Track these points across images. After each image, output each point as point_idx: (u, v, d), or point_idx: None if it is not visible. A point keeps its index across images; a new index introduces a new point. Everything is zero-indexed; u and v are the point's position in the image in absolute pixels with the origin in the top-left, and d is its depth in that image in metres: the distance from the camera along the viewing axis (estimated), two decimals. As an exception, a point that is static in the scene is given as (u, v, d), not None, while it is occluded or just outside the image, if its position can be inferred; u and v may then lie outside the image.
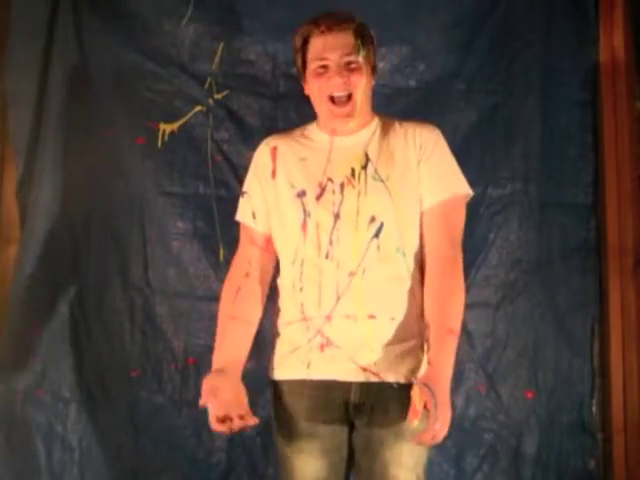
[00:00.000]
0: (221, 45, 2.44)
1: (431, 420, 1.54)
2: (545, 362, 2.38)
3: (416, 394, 1.55)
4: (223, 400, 1.67)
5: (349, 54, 1.71)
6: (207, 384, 1.70)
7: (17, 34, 2.39)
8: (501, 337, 2.38)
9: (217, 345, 1.79)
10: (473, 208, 2.30)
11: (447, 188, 1.77)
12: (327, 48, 1.71)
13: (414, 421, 1.54)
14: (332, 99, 1.73)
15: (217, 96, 2.44)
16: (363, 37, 1.74)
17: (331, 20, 1.72)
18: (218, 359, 1.77)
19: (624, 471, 2.35)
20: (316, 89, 1.75)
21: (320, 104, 1.77)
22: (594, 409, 2.39)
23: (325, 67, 1.72)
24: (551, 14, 2.47)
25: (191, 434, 2.36)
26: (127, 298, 2.39)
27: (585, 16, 2.49)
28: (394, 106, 2.38)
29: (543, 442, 2.36)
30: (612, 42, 2.47)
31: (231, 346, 1.78)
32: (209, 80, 2.44)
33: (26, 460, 2.31)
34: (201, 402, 1.69)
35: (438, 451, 2.19)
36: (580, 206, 2.45)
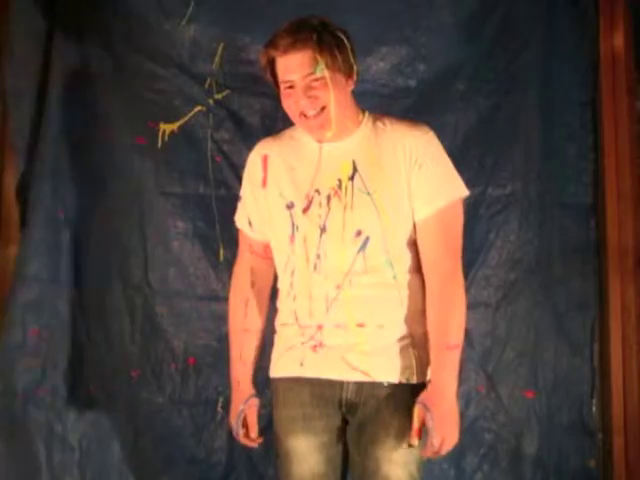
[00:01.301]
0: (221, 45, 2.44)
1: (429, 437, 1.63)
2: (545, 362, 2.39)
3: (415, 414, 1.65)
4: (253, 421, 1.83)
5: (311, 73, 1.66)
6: (241, 411, 1.81)
7: (17, 34, 2.40)
8: (501, 337, 2.39)
9: (235, 359, 1.86)
10: (473, 208, 2.32)
11: (441, 196, 1.72)
12: (289, 70, 1.68)
13: (415, 440, 1.64)
14: (304, 114, 1.71)
15: (217, 96, 2.45)
16: (324, 49, 1.66)
17: (288, 39, 1.66)
18: (239, 375, 1.85)
19: (624, 471, 2.35)
20: (287, 107, 1.73)
21: (294, 119, 1.75)
22: (594, 409, 2.39)
23: (292, 87, 1.69)
24: (551, 14, 2.47)
25: (191, 434, 2.37)
26: (127, 298, 2.39)
27: (585, 16, 2.48)
28: (394, 106, 2.38)
29: (543, 442, 2.36)
30: (612, 42, 2.47)
31: (248, 359, 1.85)
32: (209, 80, 2.44)
33: (26, 460, 2.31)
34: (236, 434, 1.83)
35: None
36: (580, 206, 2.45)
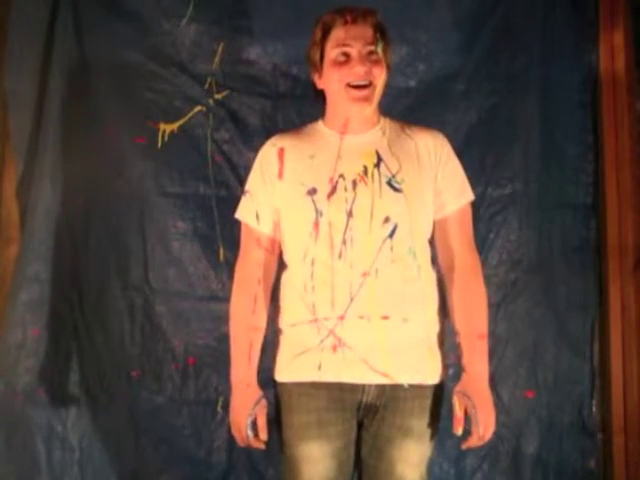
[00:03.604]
0: (221, 45, 2.44)
1: (474, 424, 1.66)
2: (545, 362, 2.39)
3: (456, 403, 1.68)
4: (264, 424, 1.73)
5: (371, 44, 1.72)
6: (251, 414, 1.71)
7: (17, 34, 2.39)
8: (501, 337, 2.38)
9: (242, 359, 1.76)
10: (473, 208, 2.31)
11: (463, 196, 1.81)
12: (350, 37, 1.72)
13: (459, 429, 1.67)
14: (351, 85, 1.73)
15: (217, 96, 2.45)
16: (384, 32, 1.76)
17: (356, 12, 1.73)
18: (248, 376, 1.75)
19: (624, 471, 2.35)
20: (335, 78, 1.73)
21: (338, 92, 1.74)
22: (594, 409, 2.39)
23: (347, 55, 1.72)
24: (551, 14, 2.47)
25: (191, 434, 2.36)
26: (127, 298, 2.39)
27: (585, 16, 2.49)
28: (394, 106, 2.37)
29: (543, 442, 2.37)
30: (612, 42, 2.47)
31: (256, 359, 1.77)
32: (209, 80, 2.44)
33: (26, 460, 2.31)
34: (245, 437, 1.73)
35: (438, 451, 2.20)
36: (580, 206, 2.45)
